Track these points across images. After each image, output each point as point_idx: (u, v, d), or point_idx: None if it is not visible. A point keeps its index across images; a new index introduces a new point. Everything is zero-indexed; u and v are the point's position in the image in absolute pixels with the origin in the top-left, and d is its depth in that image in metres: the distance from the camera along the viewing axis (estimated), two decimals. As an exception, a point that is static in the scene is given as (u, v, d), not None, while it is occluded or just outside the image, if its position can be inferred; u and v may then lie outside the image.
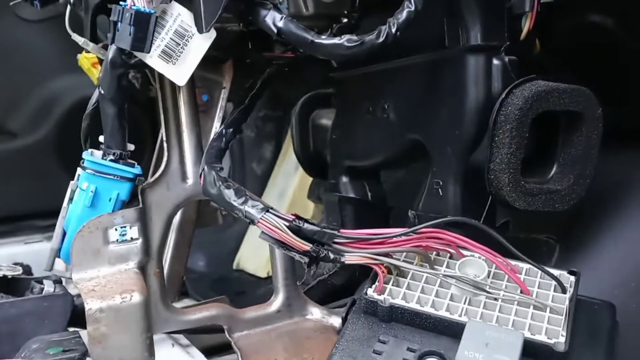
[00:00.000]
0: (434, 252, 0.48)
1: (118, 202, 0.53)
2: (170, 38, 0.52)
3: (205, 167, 0.52)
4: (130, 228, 0.53)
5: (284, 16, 0.49)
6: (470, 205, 0.56)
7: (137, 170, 0.55)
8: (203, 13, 0.48)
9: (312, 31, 0.49)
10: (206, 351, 0.63)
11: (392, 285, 0.46)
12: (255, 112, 0.88)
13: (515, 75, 0.53)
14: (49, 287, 0.58)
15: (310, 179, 0.87)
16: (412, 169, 0.77)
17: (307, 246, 0.46)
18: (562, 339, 0.41)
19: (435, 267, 0.47)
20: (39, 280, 0.60)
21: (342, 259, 0.46)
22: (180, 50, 0.52)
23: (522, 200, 0.52)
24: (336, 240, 0.46)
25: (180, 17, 0.52)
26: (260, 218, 0.47)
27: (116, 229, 0.53)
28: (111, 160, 0.53)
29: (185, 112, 0.60)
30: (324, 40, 0.48)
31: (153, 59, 0.52)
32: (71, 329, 0.57)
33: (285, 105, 1.08)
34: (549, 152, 0.55)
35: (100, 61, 0.63)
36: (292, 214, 0.48)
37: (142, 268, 0.54)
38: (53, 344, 0.52)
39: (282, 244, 0.46)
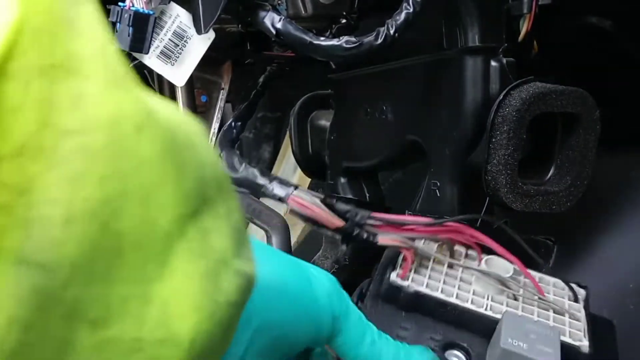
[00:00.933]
0: (455, 246, 0.47)
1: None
2: (169, 39, 0.52)
3: (224, 151, 0.52)
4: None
5: (283, 17, 0.49)
6: (468, 206, 0.56)
7: None
8: (202, 14, 0.48)
9: (310, 32, 0.49)
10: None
11: (414, 273, 0.45)
12: (254, 113, 0.88)
13: (513, 77, 0.53)
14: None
15: (309, 180, 0.87)
16: (409, 170, 0.78)
17: (341, 222, 0.45)
18: (587, 342, 0.41)
19: (460, 260, 0.47)
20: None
21: (375, 239, 0.45)
22: (179, 51, 0.52)
23: (520, 202, 0.52)
24: (369, 221, 0.45)
25: (179, 18, 0.52)
26: (292, 194, 0.46)
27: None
28: None
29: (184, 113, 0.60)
30: (322, 41, 0.48)
31: (152, 60, 0.52)
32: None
33: (283, 106, 1.08)
34: (546, 153, 0.55)
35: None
36: (325, 194, 0.48)
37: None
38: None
39: (314, 221, 0.45)
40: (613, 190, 0.60)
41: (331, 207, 0.45)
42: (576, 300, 0.45)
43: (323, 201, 0.45)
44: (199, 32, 0.50)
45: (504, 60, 0.53)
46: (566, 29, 0.58)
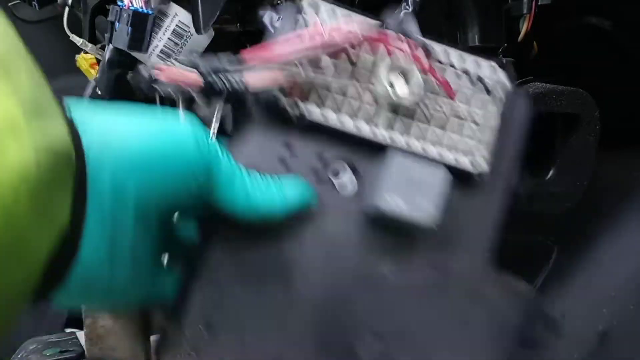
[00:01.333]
0: (356, 58, 0.40)
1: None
2: (169, 38, 0.52)
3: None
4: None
5: (281, 17, 0.49)
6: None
7: None
8: (201, 13, 0.48)
9: None
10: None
11: (303, 96, 0.39)
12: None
13: (513, 77, 0.53)
14: (46, 287, 0.58)
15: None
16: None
17: (198, 80, 0.38)
18: (484, 162, 0.40)
19: (355, 74, 0.40)
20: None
21: (243, 82, 0.37)
22: (179, 50, 0.52)
23: (520, 202, 0.52)
24: (235, 63, 0.38)
25: (177, 17, 0.52)
26: (155, 66, 0.40)
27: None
28: None
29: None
30: None
31: (152, 59, 0.52)
32: (68, 330, 0.57)
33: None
34: (546, 154, 0.55)
35: (99, 62, 0.63)
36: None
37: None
38: (50, 345, 0.52)
39: (180, 90, 0.39)
40: (613, 190, 0.60)
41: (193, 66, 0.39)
42: (489, 92, 0.41)
43: (180, 61, 0.42)
44: (198, 31, 0.50)
45: (504, 61, 0.53)
46: (566, 29, 0.58)
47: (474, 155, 0.40)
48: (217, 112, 0.39)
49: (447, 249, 0.41)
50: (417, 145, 0.39)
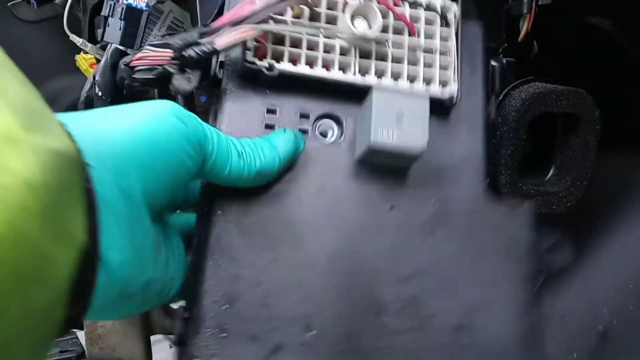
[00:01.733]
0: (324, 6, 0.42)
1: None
2: (162, 35, 0.52)
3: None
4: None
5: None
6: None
7: None
8: (199, 13, 0.48)
9: None
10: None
11: (271, 51, 0.41)
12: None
13: (513, 77, 0.53)
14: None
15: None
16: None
17: (168, 52, 0.39)
18: (455, 87, 0.42)
19: (321, 27, 0.41)
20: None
21: (211, 47, 0.38)
22: None
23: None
24: (202, 32, 0.39)
25: (172, 13, 0.52)
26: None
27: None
28: None
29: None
30: None
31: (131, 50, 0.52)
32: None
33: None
34: (546, 154, 0.55)
35: (98, 61, 0.63)
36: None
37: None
38: (50, 345, 0.52)
39: (155, 70, 0.40)
40: (613, 190, 0.60)
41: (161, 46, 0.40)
42: (447, 24, 0.44)
43: (151, 43, 0.40)
44: (197, 31, 0.50)
45: (504, 60, 0.53)
46: (566, 29, 0.58)
47: (442, 82, 0.42)
48: (194, 81, 0.39)
49: (442, 181, 0.42)
50: (390, 82, 0.41)
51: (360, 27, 0.41)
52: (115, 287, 0.31)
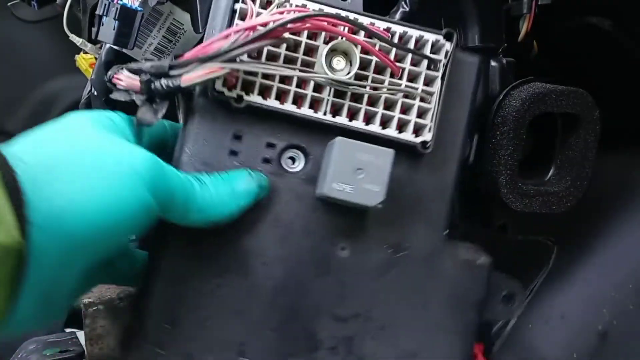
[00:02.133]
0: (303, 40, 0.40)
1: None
2: (163, 36, 0.52)
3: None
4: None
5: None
6: (468, 206, 0.56)
7: None
8: (199, 13, 0.48)
9: None
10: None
11: (242, 83, 0.39)
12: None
13: (513, 77, 0.53)
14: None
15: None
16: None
17: (135, 80, 0.38)
18: (429, 135, 0.40)
19: (296, 61, 0.40)
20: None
21: (177, 83, 0.37)
22: (172, 47, 0.52)
23: (520, 202, 0.52)
24: (171, 65, 0.37)
25: (172, 15, 0.52)
26: (115, 74, 0.41)
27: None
28: None
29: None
30: None
31: (146, 57, 0.52)
32: (68, 330, 0.57)
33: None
34: (546, 154, 0.55)
35: (98, 62, 0.63)
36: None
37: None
38: (50, 345, 0.52)
39: (127, 92, 0.40)
40: (613, 190, 0.59)
41: (135, 71, 0.39)
42: (435, 67, 0.41)
43: (128, 67, 0.40)
44: (196, 31, 0.50)
45: (504, 61, 0.53)
46: (566, 29, 0.58)
47: (416, 130, 0.41)
48: (161, 112, 0.39)
49: (401, 225, 0.41)
50: (361, 125, 0.40)
51: (339, 65, 0.40)
52: (16, 330, 0.32)
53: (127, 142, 0.35)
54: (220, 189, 0.38)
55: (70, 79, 1.02)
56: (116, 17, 0.49)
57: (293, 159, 0.41)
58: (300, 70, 0.39)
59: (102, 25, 0.50)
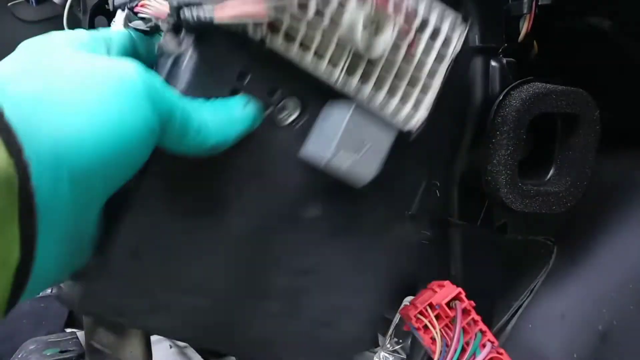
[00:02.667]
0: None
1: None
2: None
3: None
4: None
5: None
6: (468, 206, 0.56)
7: None
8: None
9: None
10: (204, 353, 0.63)
11: (270, 25, 0.36)
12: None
13: (513, 77, 0.53)
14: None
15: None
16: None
17: (165, 6, 0.35)
18: (424, 114, 0.40)
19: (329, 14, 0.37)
20: (36, 281, 0.59)
21: (209, 16, 0.33)
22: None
23: (520, 202, 0.52)
24: None
25: None
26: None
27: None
28: None
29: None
30: None
31: None
32: (68, 330, 0.57)
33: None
34: (546, 154, 0.55)
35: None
36: None
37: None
38: (50, 345, 0.52)
39: (152, 23, 0.37)
40: (613, 191, 0.60)
41: None
42: (447, 45, 0.40)
43: None
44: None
45: (504, 61, 0.53)
46: (566, 29, 0.58)
47: (416, 104, 0.40)
48: (185, 45, 0.36)
49: (371, 196, 0.42)
50: (369, 90, 0.38)
51: (368, 32, 0.37)
52: (43, 283, 0.30)
53: (111, 57, 0.33)
54: (219, 111, 0.35)
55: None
56: None
57: (289, 108, 0.39)
58: (332, 26, 0.36)
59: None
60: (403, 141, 0.41)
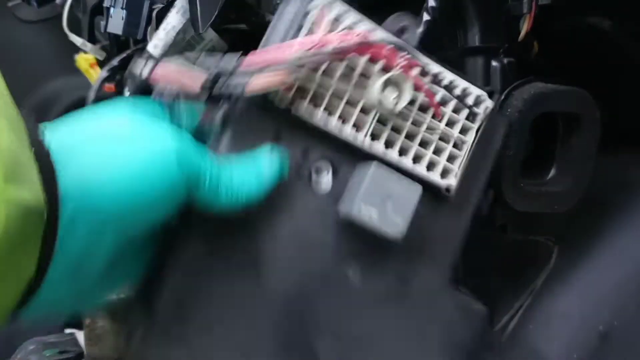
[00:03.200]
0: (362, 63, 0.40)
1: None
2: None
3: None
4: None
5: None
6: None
7: None
8: (200, 13, 0.48)
9: None
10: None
11: (297, 93, 0.39)
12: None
13: (514, 77, 0.53)
14: (45, 288, 0.58)
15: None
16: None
17: (202, 80, 0.38)
18: (454, 180, 0.42)
19: (352, 80, 0.40)
20: (36, 282, 0.59)
21: (240, 90, 0.37)
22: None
23: (522, 202, 0.52)
24: (236, 68, 0.37)
25: (212, 42, 0.52)
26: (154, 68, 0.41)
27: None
28: None
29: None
30: None
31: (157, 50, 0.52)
32: (68, 331, 0.57)
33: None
34: (547, 153, 0.55)
35: (98, 62, 0.63)
36: None
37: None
38: (49, 346, 0.52)
39: (184, 92, 0.39)
40: (614, 190, 0.59)
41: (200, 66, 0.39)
42: (473, 119, 0.44)
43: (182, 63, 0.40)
44: (196, 31, 0.49)
45: (505, 61, 0.53)
46: (566, 29, 0.58)
47: (445, 171, 0.42)
48: (218, 115, 0.39)
49: (413, 261, 0.42)
50: (395, 155, 0.41)
51: (389, 94, 0.40)
52: (43, 305, 0.32)
53: (159, 122, 0.36)
54: (248, 167, 0.38)
55: (70, 80, 1.02)
56: (124, 7, 0.49)
57: (322, 175, 0.41)
58: (356, 91, 0.39)
59: (111, 17, 0.50)
60: (438, 203, 0.43)
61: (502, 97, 0.51)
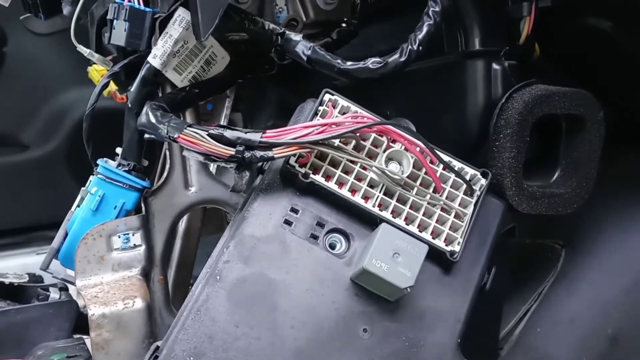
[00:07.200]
0: (368, 143, 0.47)
1: (123, 211, 0.54)
2: (201, 66, 0.56)
3: (146, 105, 0.51)
4: (133, 235, 0.53)
5: (313, 45, 0.51)
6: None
7: (146, 183, 0.55)
8: (200, 21, 0.49)
9: (338, 57, 0.50)
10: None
11: (313, 164, 0.46)
12: (264, 121, 0.89)
13: (515, 80, 0.53)
14: (54, 294, 0.59)
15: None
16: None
17: (230, 151, 0.45)
18: (458, 247, 0.46)
19: (360, 157, 0.46)
20: (45, 288, 0.60)
21: (271, 154, 0.44)
22: (204, 75, 0.55)
23: (526, 204, 0.52)
24: (261, 140, 0.45)
25: (212, 48, 0.53)
26: (181, 133, 0.46)
27: (119, 236, 0.53)
28: (125, 171, 0.54)
29: (189, 120, 0.61)
30: (350, 65, 0.49)
31: (169, 73, 0.53)
32: (76, 336, 0.57)
33: (293, 113, 1.09)
34: (551, 155, 0.55)
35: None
36: (215, 125, 0.48)
37: (146, 275, 0.55)
38: (58, 351, 0.52)
39: (206, 155, 0.45)
40: (619, 191, 0.59)
41: (219, 138, 0.45)
42: (471, 194, 0.47)
43: (210, 133, 0.45)
44: (198, 38, 0.50)
45: (506, 63, 0.53)
46: (566, 31, 0.58)
47: (448, 240, 0.46)
48: (223, 120, 0.44)
49: (420, 324, 0.45)
50: (402, 223, 0.46)
51: (394, 168, 0.46)
52: None
53: None
54: None
55: (83, 91, 1.03)
56: (126, 19, 0.50)
57: (336, 241, 0.46)
58: (363, 166, 0.46)
59: (114, 29, 0.51)
60: (445, 274, 0.46)
61: (504, 99, 0.51)
